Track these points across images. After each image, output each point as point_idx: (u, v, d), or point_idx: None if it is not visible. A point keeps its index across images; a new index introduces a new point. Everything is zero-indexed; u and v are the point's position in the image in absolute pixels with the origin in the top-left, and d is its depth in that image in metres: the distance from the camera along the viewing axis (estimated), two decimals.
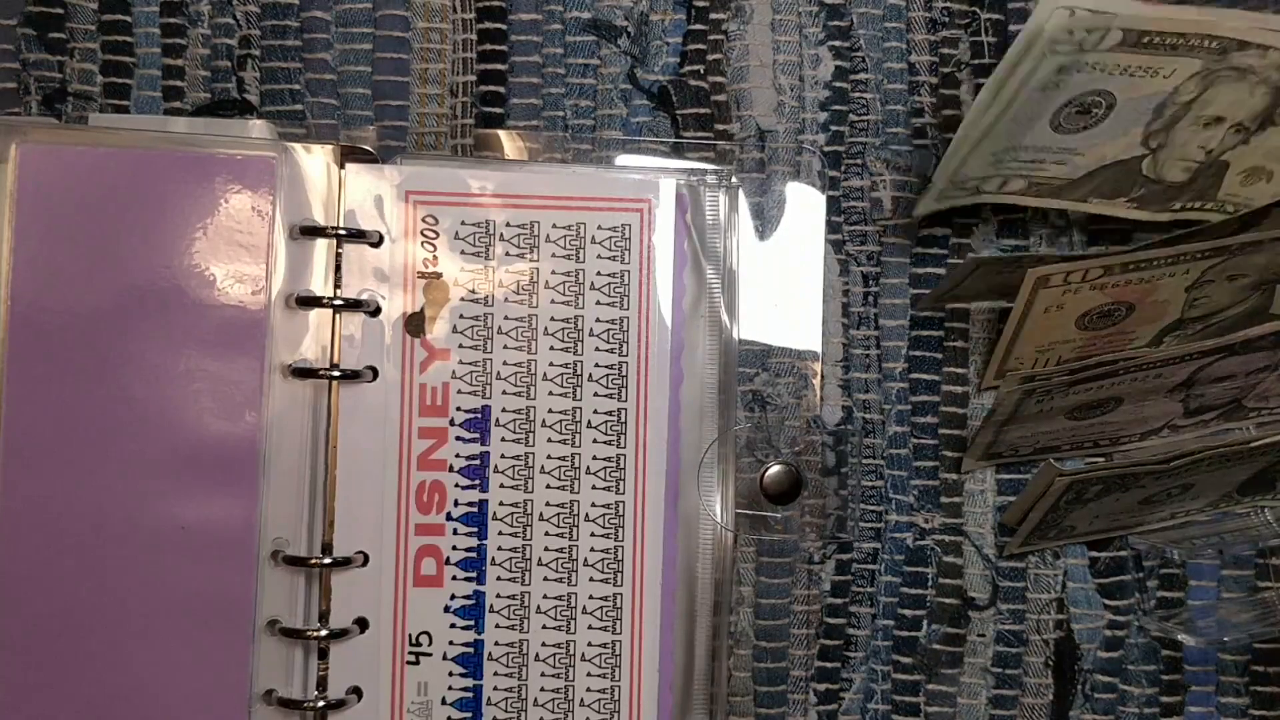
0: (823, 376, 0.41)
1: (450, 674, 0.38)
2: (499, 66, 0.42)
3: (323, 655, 0.37)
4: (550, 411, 0.38)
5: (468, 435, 0.38)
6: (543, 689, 0.38)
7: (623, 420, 0.38)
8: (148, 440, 0.36)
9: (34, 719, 0.35)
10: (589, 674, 0.38)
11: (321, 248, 0.38)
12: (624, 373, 0.39)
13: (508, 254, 0.38)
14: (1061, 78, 0.36)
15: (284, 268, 0.37)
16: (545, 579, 0.38)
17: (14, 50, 0.41)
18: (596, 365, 0.38)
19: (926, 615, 0.42)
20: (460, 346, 0.38)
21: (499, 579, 0.38)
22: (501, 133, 0.41)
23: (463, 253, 0.38)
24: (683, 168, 0.40)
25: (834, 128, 0.42)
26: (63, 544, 0.35)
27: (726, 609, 0.40)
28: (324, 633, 0.37)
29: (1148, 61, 0.36)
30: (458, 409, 0.38)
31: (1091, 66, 0.36)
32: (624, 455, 0.38)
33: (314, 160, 0.37)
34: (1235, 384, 0.39)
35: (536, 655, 0.38)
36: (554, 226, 0.38)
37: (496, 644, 0.38)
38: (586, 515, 0.38)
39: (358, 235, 0.37)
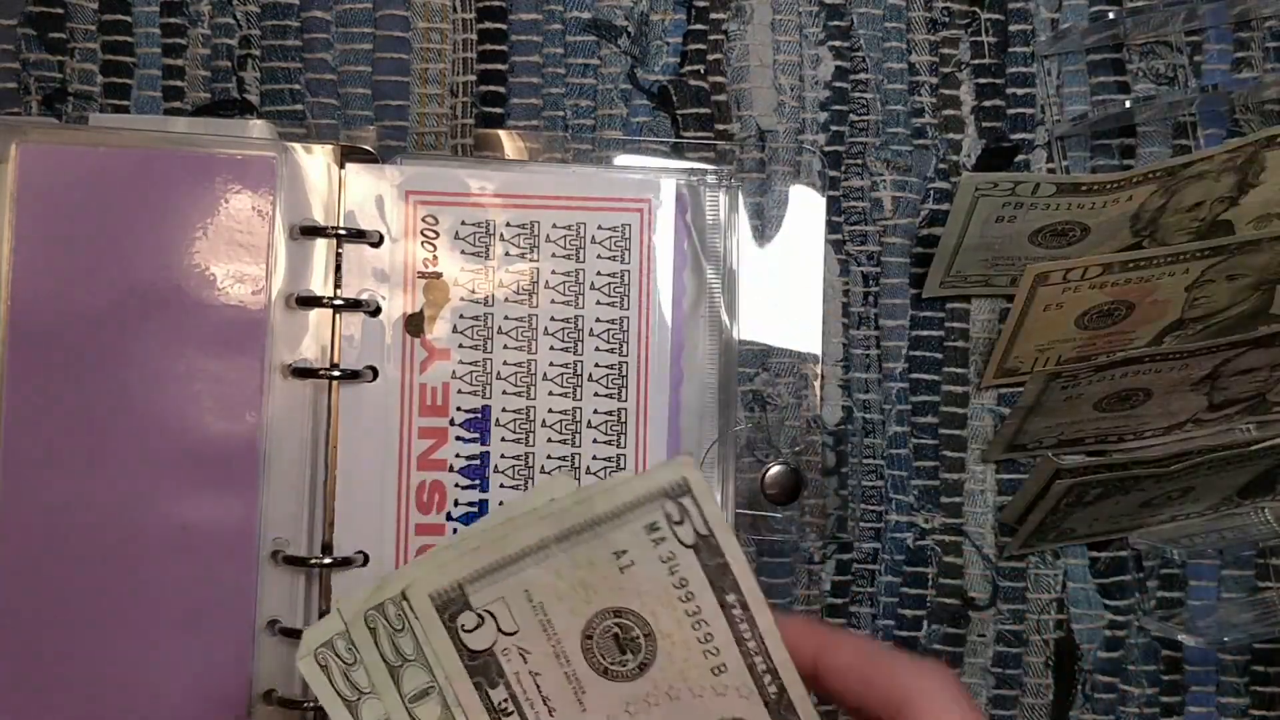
0: (823, 376, 0.41)
1: None
2: (499, 66, 0.42)
3: None
4: (550, 411, 0.38)
5: (468, 435, 0.38)
6: None
7: (623, 420, 0.38)
8: (148, 440, 0.36)
9: (34, 717, 0.35)
10: None
11: (321, 248, 0.38)
12: (624, 373, 0.38)
13: (508, 254, 0.38)
14: (1014, 213, 0.37)
15: (284, 268, 0.37)
16: None
17: (14, 50, 0.41)
18: (596, 365, 0.38)
19: (927, 615, 0.42)
20: (460, 346, 0.38)
21: None
22: (501, 133, 0.41)
23: (463, 253, 0.38)
24: (683, 168, 0.40)
25: (834, 128, 0.42)
26: (63, 543, 0.35)
27: None
28: None
29: (1102, 198, 0.36)
30: (458, 409, 0.38)
31: (1045, 205, 0.36)
32: (624, 455, 0.38)
33: (314, 160, 0.37)
34: (1259, 377, 0.39)
35: None
36: (554, 226, 0.38)
37: None
38: None
39: (358, 235, 0.37)
